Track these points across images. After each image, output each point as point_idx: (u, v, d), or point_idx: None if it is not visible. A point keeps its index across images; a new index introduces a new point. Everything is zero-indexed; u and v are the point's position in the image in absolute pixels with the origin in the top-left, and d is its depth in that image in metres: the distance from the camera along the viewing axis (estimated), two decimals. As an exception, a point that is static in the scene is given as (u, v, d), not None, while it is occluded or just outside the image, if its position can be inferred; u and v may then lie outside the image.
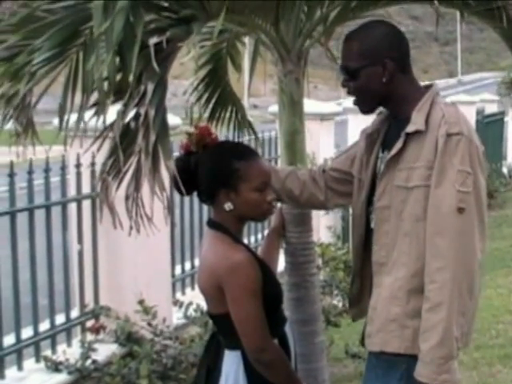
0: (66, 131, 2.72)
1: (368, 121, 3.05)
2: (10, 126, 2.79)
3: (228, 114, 3.84)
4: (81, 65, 2.68)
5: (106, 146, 2.95)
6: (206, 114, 3.77)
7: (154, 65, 2.47)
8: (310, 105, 5.84)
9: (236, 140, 3.74)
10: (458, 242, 2.63)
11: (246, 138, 3.97)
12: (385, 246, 2.81)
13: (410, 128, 2.74)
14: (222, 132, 3.79)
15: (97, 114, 2.61)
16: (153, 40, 2.54)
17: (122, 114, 2.72)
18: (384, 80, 2.79)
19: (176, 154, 3.04)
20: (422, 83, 2.95)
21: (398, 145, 2.76)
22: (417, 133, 2.72)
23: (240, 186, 2.82)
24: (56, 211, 4.90)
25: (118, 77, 2.62)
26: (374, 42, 2.81)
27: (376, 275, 2.86)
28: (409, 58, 2.88)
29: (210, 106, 3.78)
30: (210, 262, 2.84)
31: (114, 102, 2.75)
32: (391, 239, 2.79)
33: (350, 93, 2.88)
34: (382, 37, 2.83)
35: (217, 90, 3.80)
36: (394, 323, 2.74)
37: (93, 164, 4.86)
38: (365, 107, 2.91)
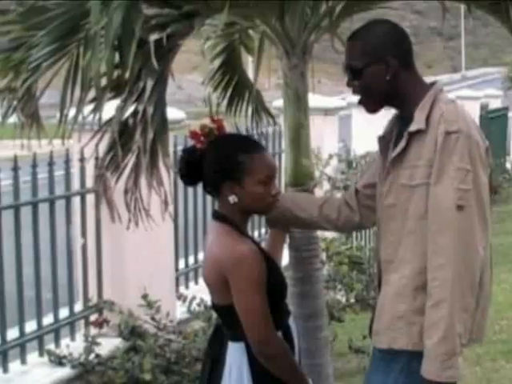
0: (66, 125, 2.71)
1: (372, 116, 3.04)
2: (14, 119, 2.79)
3: (245, 102, 3.86)
4: (81, 59, 2.67)
5: (106, 140, 2.95)
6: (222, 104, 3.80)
7: (154, 62, 2.46)
8: (313, 99, 5.81)
9: (242, 133, 3.75)
10: (458, 240, 2.64)
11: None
12: (391, 244, 2.83)
13: (412, 127, 2.76)
14: (241, 120, 3.82)
15: (95, 109, 2.61)
16: (153, 36, 2.53)
17: (121, 110, 2.72)
18: (387, 77, 2.80)
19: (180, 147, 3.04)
20: (428, 80, 2.95)
21: (402, 144, 2.78)
22: (418, 132, 2.74)
23: (245, 179, 2.82)
24: (60, 205, 4.90)
25: (117, 73, 2.62)
26: (375, 40, 2.82)
27: (384, 273, 2.89)
28: (412, 54, 2.89)
29: (228, 94, 3.81)
30: (215, 253, 2.84)
31: (113, 97, 2.75)
32: (397, 237, 2.80)
33: (355, 92, 2.89)
34: (383, 35, 2.84)
35: (233, 78, 3.82)
36: (401, 320, 2.76)
37: (97, 158, 4.85)
38: (370, 106, 2.91)
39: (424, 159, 2.71)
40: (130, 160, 2.90)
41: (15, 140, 2.75)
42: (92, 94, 2.57)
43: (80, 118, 2.64)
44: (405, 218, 2.77)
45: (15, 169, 4.49)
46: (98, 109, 2.58)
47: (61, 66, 2.70)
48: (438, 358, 2.63)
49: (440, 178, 2.66)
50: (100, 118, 2.65)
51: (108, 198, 2.96)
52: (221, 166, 2.85)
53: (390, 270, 2.83)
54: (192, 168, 2.90)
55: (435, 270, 2.65)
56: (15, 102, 2.72)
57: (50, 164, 4.72)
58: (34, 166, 4.57)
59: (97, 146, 2.92)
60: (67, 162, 4.87)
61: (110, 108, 2.71)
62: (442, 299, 2.63)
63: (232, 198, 2.84)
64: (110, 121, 2.80)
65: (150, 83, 2.63)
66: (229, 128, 3.60)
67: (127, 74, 2.51)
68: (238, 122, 3.71)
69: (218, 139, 2.91)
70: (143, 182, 2.91)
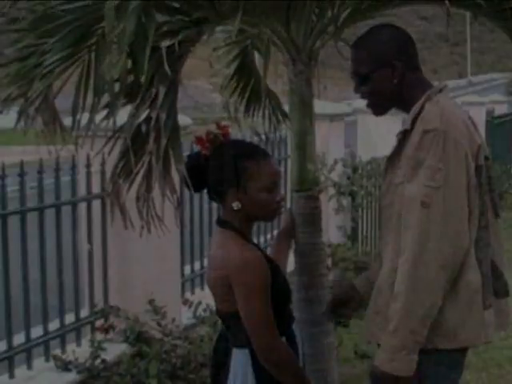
0: (77, 131, 2.73)
1: (378, 121, 3.06)
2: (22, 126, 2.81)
3: (263, 106, 3.87)
4: (93, 65, 2.69)
5: (117, 147, 2.96)
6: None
7: (166, 68, 2.48)
8: (319, 105, 5.83)
9: (247, 140, 3.76)
10: (419, 237, 2.63)
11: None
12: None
13: (401, 128, 2.80)
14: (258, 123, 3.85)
15: (108, 115, 2.62)
16: (165, 43, 2.54)
17: (133, 116, 2.73)
18: (395, 81, 2.83)
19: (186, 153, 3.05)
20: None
21: (394, 145, 2.83)
22: (407, 132, 2.76)
23: (249, 186, 2.83)
24: (66, 211, 4.91)
25: (129, 79, 2.63)
26: (381, 46, 2.85)
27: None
28: (417, 58, 2.91)
29: (244, 100, 3.85)
30: (219, 259, 2.85)
31: (125, 104, 2.77)
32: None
33: (363, 97, 2.91)
34: (388, 39, 2.86)
35: (249, 83, 3.84)
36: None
37: (103, 164, 4.87)
38: (378, 110, 2.95)
39: (405, 158, 2.73)
40: (142, 167, 2.92)
41: (40, 146, 2.77)
42: (103, 100, 2.58)
43: (89, 123, 2.65)
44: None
45: (21, 175, 4.50)
46: (111, 115, 2.59)
47: (72, 73, 2.72)
48: (387, 349, 2.67)
49: (413, 176, 2.67)
50: (114, 123, 2.66)
51: (121, 205, 2.96)
52: (225, 172, 2.85)
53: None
54: (197, 174, 2.90)
55: (400, 264, 2.68)
56: (31, 110, 2.73)
57: (57, 170, 4.73)
58: (41, 171, 4.58)
59: (109, 153, 2.93)
60: (73, 167, 4.88)
61: (119, 115, 2.72)
62: (398, 293, 2.66)
63: (236, 205, 2.84)
64: (122, 127, 2.81)
65: (162, 90, 2.64)
66: (246, 132, 3.62)
67: (143, 79, 2.52)
68: (255, 126, 3.72)
69: (223, 145, 2.91)
70: (155, 188, 2.92)
